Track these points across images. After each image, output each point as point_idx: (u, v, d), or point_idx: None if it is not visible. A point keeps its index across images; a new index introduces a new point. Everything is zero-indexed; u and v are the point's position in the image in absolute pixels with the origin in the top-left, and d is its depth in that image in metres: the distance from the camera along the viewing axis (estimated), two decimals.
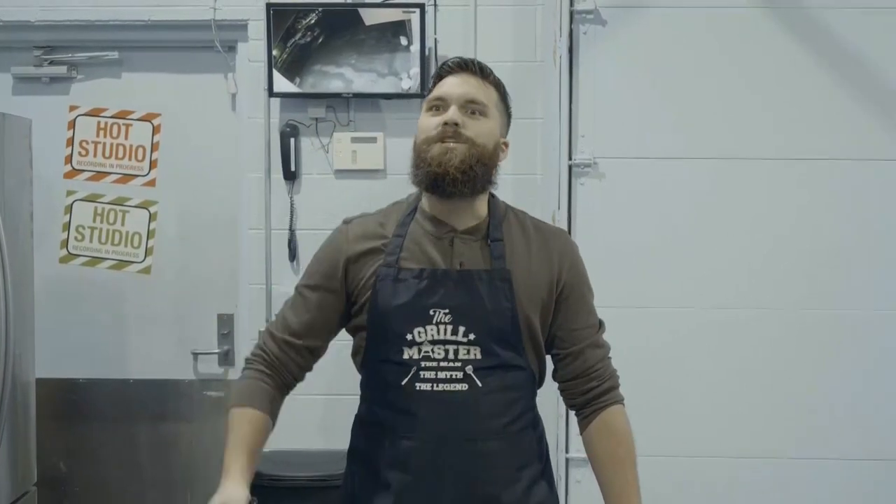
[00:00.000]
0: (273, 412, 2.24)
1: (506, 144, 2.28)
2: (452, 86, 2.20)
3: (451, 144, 2.13)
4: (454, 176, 2.13)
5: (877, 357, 3.82)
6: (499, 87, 2.27)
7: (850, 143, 3.79)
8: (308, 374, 3.85)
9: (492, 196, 2.28)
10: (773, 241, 3.82)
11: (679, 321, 3.84)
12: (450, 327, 2.15)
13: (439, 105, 2.19)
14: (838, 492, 3.84)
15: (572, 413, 2.33)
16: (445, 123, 2.15)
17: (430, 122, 2.18)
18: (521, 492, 2.21)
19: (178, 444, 4.17)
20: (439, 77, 2.25)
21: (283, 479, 3.59)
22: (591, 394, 2.25)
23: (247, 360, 2.29)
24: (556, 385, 2.32)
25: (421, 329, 2.15)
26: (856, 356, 3.83)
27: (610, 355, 2.30)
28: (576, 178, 3.85)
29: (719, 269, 3.82)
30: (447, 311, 2.15)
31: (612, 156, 3.84)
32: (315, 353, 2.30)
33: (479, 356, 2.15)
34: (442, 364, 2.15)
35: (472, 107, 2.18)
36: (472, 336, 2.15)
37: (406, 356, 2.16)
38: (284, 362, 2.26)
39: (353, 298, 2.24)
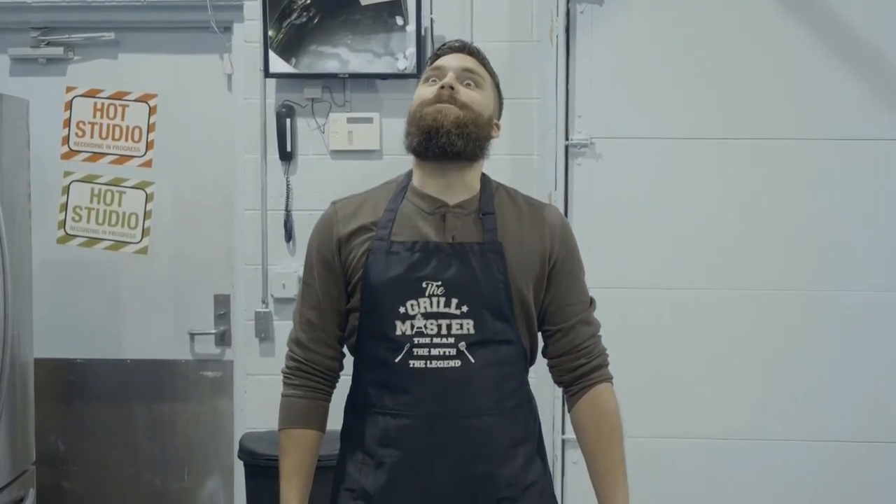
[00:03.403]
0: (319, 422, 2.31)
1: (497, 126, 2.30)
2: (449, 59, 2.25)
3: (447, 105, 2.16)
4: (448, 129, 2.14)
5: (861, 339, 3.83)
6: (493, 74, 2.32)
7: (843, 124, 3.79)
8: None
9: (483, 174, 2.29)
10: (768, 221, 3.81)
11: (675, 301, 3.84)
12: (442, 300, 2.15)
13: (436, 76, 2.23)
14: (820, 473, 3.85)
15: (560, 388, 2.34)
16: (442, 87, 2.18)
17: (426, 90, 2.22)
18: (517, 469, 2.21)
19: (175, 423, 4.19)
20: (436, 56, 2.30)
21: (278, 459, 3.59)
22: (580, 371, 2.26)
23: (283, 374, 2.33)
24: (546, 362, 2.33)
25: (414, 302, 2.15)
26: (842, 339, 3.83)
27: (600, 333, 2.31)
28: (572, 159, 3.84)
29: (716, 249, 3.82)
30: (440, 283, 2.15)
31: (608, 136, 3.83)
32: (341, 339, 2.32)
33: (471, 330, 2.15)
34: (435, 340, 2.15)
35: (468, 76, 2.22)
36: (464, 308, 2.15)
37: (399, 332, 2.15)
38: (317, 361, 2.30)
39: (348, 278, 2.24)
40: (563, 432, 3.82)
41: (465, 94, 2.20)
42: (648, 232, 3.84)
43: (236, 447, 3.79)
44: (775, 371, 3.84)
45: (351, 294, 2.25)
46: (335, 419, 2.34)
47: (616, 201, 3.83)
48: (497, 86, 2.33)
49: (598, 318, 2.32)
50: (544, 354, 2.32)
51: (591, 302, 2.32)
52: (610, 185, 3.83)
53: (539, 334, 2.32)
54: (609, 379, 2.28)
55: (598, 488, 2.24)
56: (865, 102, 3.78)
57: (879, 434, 3.85)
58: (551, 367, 2.32)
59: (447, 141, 2.15)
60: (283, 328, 3.94)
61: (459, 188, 2.23)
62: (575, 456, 3.81)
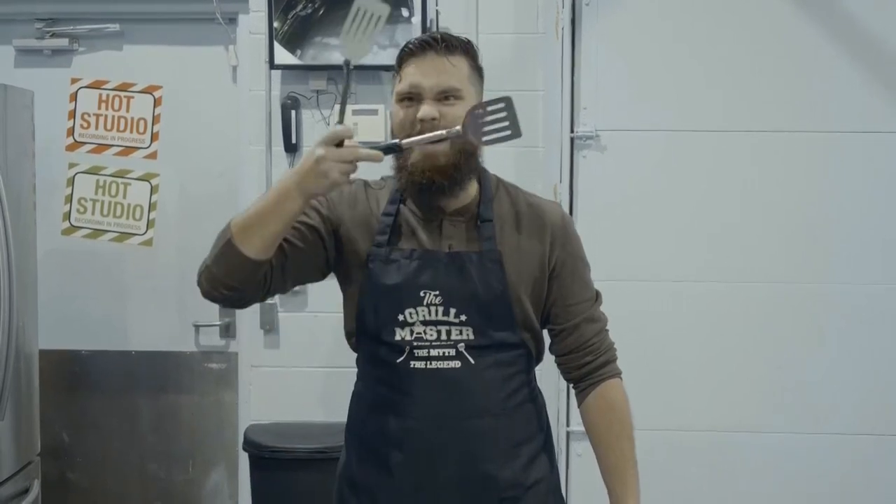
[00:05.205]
0: None
1: None
2: (421, 75, 2.11)
3: (433, 152, 2.08)
4: (440, 183, 2.10)
5: (864, 331, 3.82)
6: (467, 52, 2.17)
7: (847, 116, 3.78)
8: (308, 347, 3.90)
9: (483, 170, 2.24)
10: (772, 214, 3.81)
11: (679, 294, 3.83)
12: (441, 308, 2.13)
13: (412, 96, 2.11)
14: (823, 466, 3.85)
15: (570, 384, 2.32)
16: (422, 121, 2.08)
17: (405, 117, 2.11)
18: (519, 469, 2.20)
19: (179, 415, 4.20)
20: (401, 61, 2.16)
21: (283, 451, 3.61)
22: (588, 368, 2.24)
23: None
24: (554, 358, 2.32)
25: (412, 310, 2.13)
26: (845, 331, 3.83)
27: (607, 328, 2.29)
28: (578, 151, 3.84)
29: (721, 242, 3.82)
30: (437, 292, 2.13)
31: (614, 128, 3.82)
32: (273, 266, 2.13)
33: (471, 336, 2.14)
34: (434, 344, 2.14)
35: (444, 94, 2.10)
36: (463, 317, 2.13)
37: (398, 337, 2.14)
38: None
39: (343, 260, 2.21)
40: (567, 425, 3.82)
41: (447, 116, 2.08)
42: (653, 224, 3.83)
43: (241, 439, 3.80)
44: (779, 364, 3.83)
45: (347, 283, 2.22)
46: (344, 408, 2.33)
47: (621, 194, 3.83)
48: (474, 60, 2.20)
49: (604, 313, 2.30)
50: (552, 352, 2.30)
51: (597, 297, 2.29)
52: (615, 177, 3.82)
53: (546, 332, 2.30)
54: (618, 374, 2.26)
55: (608, 484, 2.22)
56: (869, 94, 3.77)
57: (883, 427, 3.85)
58: (559, 365, 2.30)
59: (441, 195, 2.13)
60: (289, 320, 3.95)
61: (457, 197, 2.18)
62: (580, 448, 3.80)
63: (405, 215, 2.21)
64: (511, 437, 2.20)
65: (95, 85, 4.11)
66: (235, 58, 4.02)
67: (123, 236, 4.13)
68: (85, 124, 4.11)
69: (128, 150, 4.11)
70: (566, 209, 3.70)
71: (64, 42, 4.08)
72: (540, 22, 3.83)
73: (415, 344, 2.14)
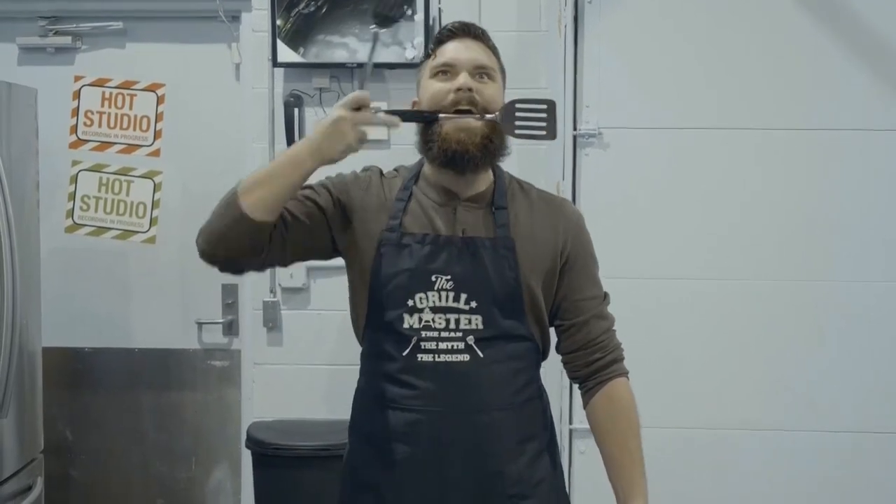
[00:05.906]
0: None
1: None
2: (458, 51, 2.19)
3: (470, 124, 2.12)
4: (473, 154, 2.12)
5: (866, 329, 3.82)
6: (495, 50, 2.26)
7: (849, 114, 3.78)
8: (312, 345, 3.90)
9: (496, 165, 2.26)
10: (774, 211, 3.80)
11: (681, 291, 3.83)
12: (451, 294, 2.13)
13: (447, 70, 2.17)
14: (825, 464, 3.84)
15: (576, 384, 2.32)
16: (459, 89, 2.13)
17: (440, 88, 2.16)
18: (524, 466, 2.19)
19: (182, 412, 4.20)
20: (439, 42, 2.23)
21: (286, 449, 3.61)
22: (595, 366, 2.24)
23: None
24: (560, 357, 2.32)
25: (422, 295, 2.13)
26: (847, 329, 3.82)
27: (615, 328, 2.29)
28: (580, 149, 3.84)
29: (723, 240, 3.82)
30: (449, 277, 2.13)
31: (616, 126, 3.82)
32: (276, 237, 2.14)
33: (480, 325, 2.14)
34: (443, 334, 2.13)
35: (480, 71, 2.17)
36: (473, 304, 2.13)
37: (407, 325, 2.14)
38: None
39: (354, 245, 2.21)
40: (570, 422, 3.82)
41: (482, 91, 2.15)
42: (656, 222, 3.83)
43: (244, 436, 3.80)
44: (780, 361, 3.83)
45: (354, 266, 2.22)
46: (348, 405, 2.33)
47: (624, 191, 3.83)
48: (498, 58, 2.27)
49: (612, 313, 2.30)
50: (558, 350, 2.30)
51: (605, 296, 2.30)
52: (618, 175, 3.82)
53: (552, 329, 2.30)
54: (625, 373, 2.26)
55: (615, 484, 2.21)
56: (871, 92, 3.77)
57: (884, 424, 3.84)
58: (566, 363, 2.30)
59: (473, 167, 2.14)
60: (291, 318, 3.95)
61: (473, 182, 2.21)
62: (582, 446, 3.81)
63: (419, 200, 2.21)
64: (517, 433, 2.20)
65: (98, 83, 4.11)
66: (238, 55, 4.02)
67: (126, 234, 4.13)
68: (88, 122, 4.11)
69: (131, 148, 4.11)
70: None
71: (67, 40, 4.09)
72: (543, 19, 3.83)
73: (422, 334, 2.13)
